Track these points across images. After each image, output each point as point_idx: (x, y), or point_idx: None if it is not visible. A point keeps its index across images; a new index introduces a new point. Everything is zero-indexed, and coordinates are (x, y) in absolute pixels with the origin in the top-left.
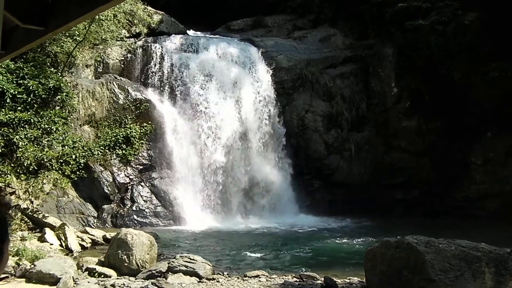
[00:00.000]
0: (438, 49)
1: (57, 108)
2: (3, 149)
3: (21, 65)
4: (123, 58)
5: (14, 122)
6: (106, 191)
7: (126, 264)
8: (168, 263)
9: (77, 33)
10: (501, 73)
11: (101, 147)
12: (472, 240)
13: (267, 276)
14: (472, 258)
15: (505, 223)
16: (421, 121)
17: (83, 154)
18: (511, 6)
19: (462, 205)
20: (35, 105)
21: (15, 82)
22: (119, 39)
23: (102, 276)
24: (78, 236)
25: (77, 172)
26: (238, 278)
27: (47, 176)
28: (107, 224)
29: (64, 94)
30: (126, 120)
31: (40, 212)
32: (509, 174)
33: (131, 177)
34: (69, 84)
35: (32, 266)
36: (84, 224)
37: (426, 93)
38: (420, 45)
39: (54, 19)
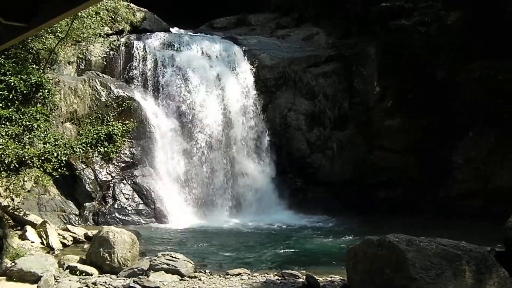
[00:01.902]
0: (421, 49)
1: (39, 105)
2: None
3: (3, 62)
4: (105, 55)
5: None
6: (88, 188)
7: (107, 262)
8: (150, 261)
9: (60, 29)
10: (483, 72)
11: (83, 145)
12: (455, 238)
13: (249, 274)
14: (453, 257)
15: (488, 221)
16: (404, 120)
17: (65, 151)
18: (495, 5)
19: (446, 203)
20: (17, 102)
21: None
22: (101, 36)
23: (84, 274)
24: (59, 234)
25: (59, 170)
26: (220, 276)
27: (28, 174)
28: (88, 222)
29: (46, 91)
30: (108, 117)
31: (21, 209)
32: (491, 172)
33: (113, 174)
34: (51, 81)
35: (13, 264)
36: (65, 222)
37: (409, 92)
38: (404, 45)
39: (36, 16)
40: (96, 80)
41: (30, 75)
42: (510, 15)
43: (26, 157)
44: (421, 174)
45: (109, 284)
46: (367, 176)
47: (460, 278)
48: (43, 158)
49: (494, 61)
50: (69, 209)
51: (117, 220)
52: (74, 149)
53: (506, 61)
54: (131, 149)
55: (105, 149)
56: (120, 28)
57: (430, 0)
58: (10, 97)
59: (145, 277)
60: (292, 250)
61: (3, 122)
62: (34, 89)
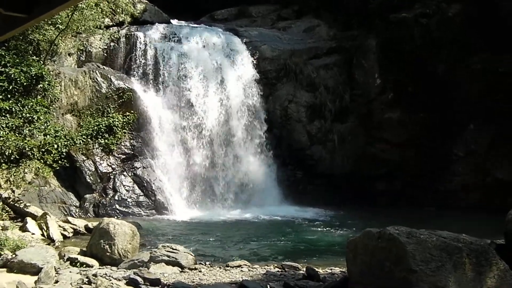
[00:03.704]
0: (422, 42)
1: (39, 96)
2: None
3: (3, 53)
4: (106, 47)
5: None
6: (88, 180)
7: (108, 253)
8: (150, 253)
9: (60, 21)
10: (485, 66)
11: (84, 136)
12: (454, 231)
13: (249, 266)
14: (453, 249)
15: (487, 214)
16: (405, 113)
17: (65, 143)
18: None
19: (445, 196)
20: (17, 94)
21: None
22: (102, 27)
23: (84, 265)
24: (60, 226)
25: (59, 162)
26: (220, 268)
27: (29, 166)
28: (89, 214)
29: (46, 82)
30: (109, 109)
31: (21, 201)
32: (491, 166)
33: (113, 166)
34: (51, 72)
35: (14, 255)
36: (66, 213)
37: (409, 85)
38: (404, 38)
39: (37, 7)
40: (97, 71)
41: (31, 67)
42: (507, 12)
43: (27, 149)
44: (421, 167)
45: (110, 276)
46: (367, 169)
47: (460, 271)
48: (43, 149)
49: (494, 57)
50: (70, 200)
51: (118, 212)
52: (75, 140)
53: (506, 56)
54: (132, 141)
55: (106, 140)
56: (121, 20)
57: None
58: (10, 89)
59: (146, 268)
60: (292, 242)
61: (3, 114)
62: (34, 80)
